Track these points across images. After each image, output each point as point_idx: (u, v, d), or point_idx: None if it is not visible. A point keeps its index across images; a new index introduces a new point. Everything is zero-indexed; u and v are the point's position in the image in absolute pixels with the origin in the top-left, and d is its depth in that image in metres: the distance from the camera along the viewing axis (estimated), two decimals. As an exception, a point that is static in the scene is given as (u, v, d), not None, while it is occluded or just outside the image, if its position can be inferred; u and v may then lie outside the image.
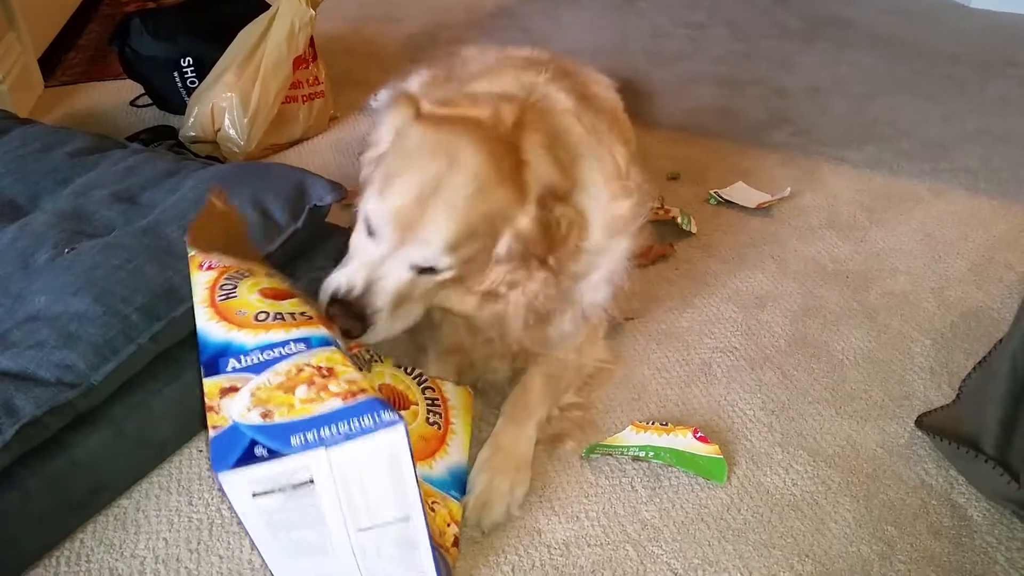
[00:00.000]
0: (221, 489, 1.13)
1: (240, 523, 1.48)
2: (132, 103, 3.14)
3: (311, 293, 1.44)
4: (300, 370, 1.16)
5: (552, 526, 1.49)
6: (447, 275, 1.48)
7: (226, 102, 2.61)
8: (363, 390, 1.14)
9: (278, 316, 1.25)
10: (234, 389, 1.15)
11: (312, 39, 2.80)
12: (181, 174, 1.95)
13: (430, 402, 1.57)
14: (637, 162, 1.78)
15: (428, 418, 1.53)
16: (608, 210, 1.64)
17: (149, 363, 1.55)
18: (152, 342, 1.52)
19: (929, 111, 3.09)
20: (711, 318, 2.03)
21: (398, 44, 3.68)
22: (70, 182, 1.96)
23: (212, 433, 1.11)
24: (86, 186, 1.93)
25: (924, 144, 2.84)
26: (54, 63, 3.57)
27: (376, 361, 1.59)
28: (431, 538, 1.25)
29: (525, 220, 1.50)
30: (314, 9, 2.73)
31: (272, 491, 1.12)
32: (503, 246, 1.51)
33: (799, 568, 1.42)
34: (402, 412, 1.45)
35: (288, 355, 1.19)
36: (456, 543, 1.41)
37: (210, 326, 1.24)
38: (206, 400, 1.14)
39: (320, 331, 1.24)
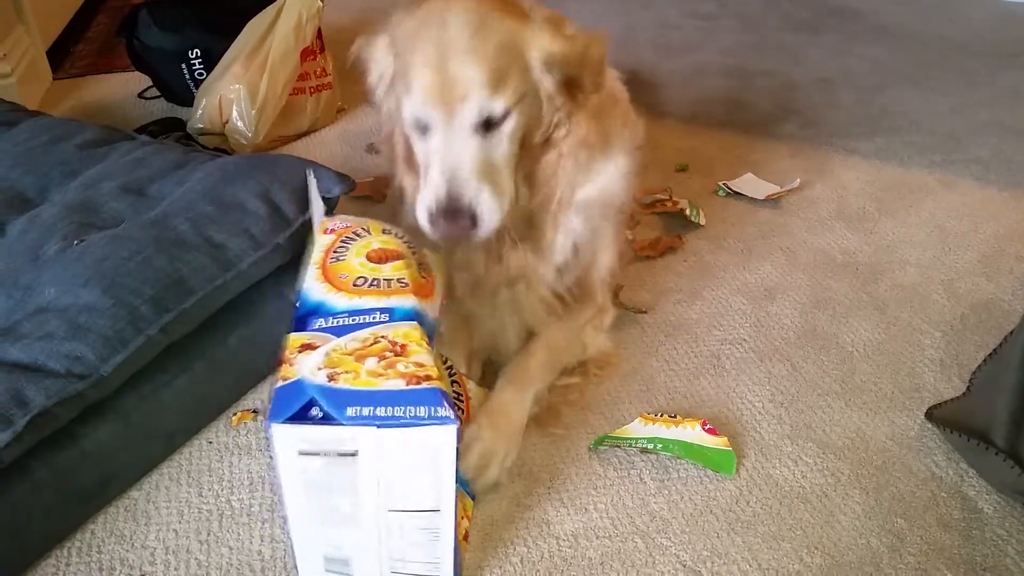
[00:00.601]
0: (270, 437, 1.17)
1: (249, 513, 1.49)
2: (140, 95, 3.15)
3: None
4: (376, 341, 1.22)
5: (561, 518, 1.49)
6: (511, 123, 1.46)
7: (234, 94, 2.62)
8: (428, 377, 1.17)
9: (374, 283, 1.31)
10: (312, 347, 1.21)
11: (320, 30, 2.80)
12: (189, 166, 1.95)
13: (455, 396, 1.58)
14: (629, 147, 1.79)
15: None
16: (604, 120, 1.65)
17: (158, 354, 1.55)
18: (161, 333, 1.52)
19: (939, 102, 3.07)
20: (720, 310, 2.02)
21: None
22: (79, 174, 1.96)
23: (279, 383, 1.16)
24: (95, 178, 1.93)
25: (934, 135, 2.83)
26: (62, 55, 3.58)
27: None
28: (456, 534, 1.26)
29: (546, 39, 1.48)
30: (321, 0, 2.72)
31: (317, 453, 1.16)
32: (545, 78, 1.50)
33: (808, 560, 1.42)
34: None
35: (371, 324, 1.24)
36: (466, 536, 1.42)
37: (312, 285, 1.32)
38: (285, 353, 1.20)
39: (409, 302, 1.29)
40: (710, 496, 1.53)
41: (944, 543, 1.44)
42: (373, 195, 2.36)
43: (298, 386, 1.16)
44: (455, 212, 1.42)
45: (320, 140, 2.86)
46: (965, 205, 2.43)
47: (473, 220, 1.43)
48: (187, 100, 2.89)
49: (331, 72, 2.90)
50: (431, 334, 1.31)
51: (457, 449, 1.16)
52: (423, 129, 1.47)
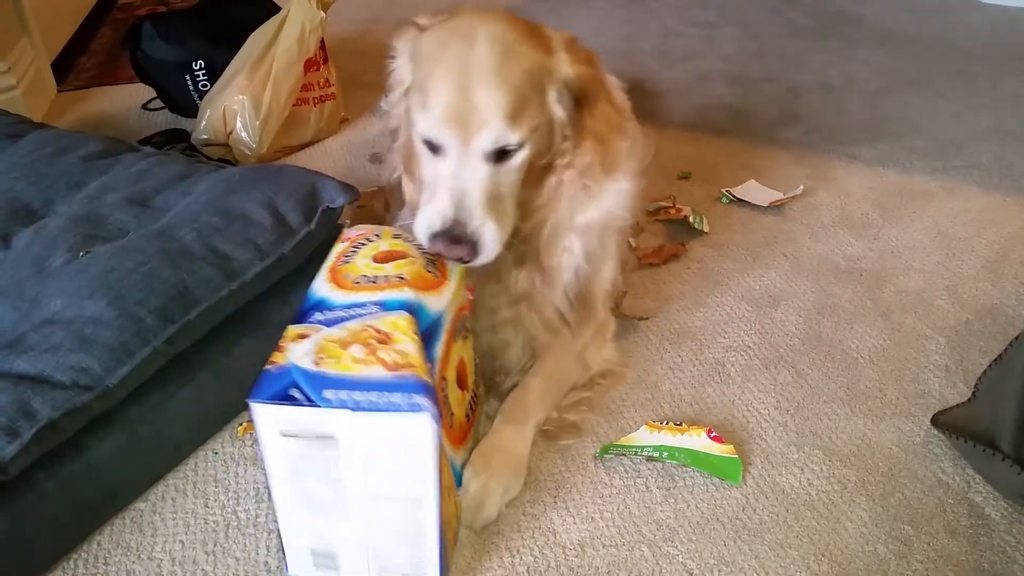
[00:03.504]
0: (252, 416, 1.20)
1: (255, 524, 1.49)
2: (144, 107, 3.16)
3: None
4: (364, 330, 1.25)
5: (567, 527, 1.49)
6: (522, 154, 1.46)
7: (238, 105, 2.62)
8: (410, 365, 1.20)
9: (374, 280, 1.35)
10: (306, 336, 1.25)
11: (323, 41, 2.81)
12: (194, 177, 1.96)
13: (473, 395, 1.59)
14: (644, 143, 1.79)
15: (467, 409, 1.55)
16: (609, 143, 1.64)
17: (164, 366, 1.55)
18: (167, 344, 1.53)
19: (941, 108, 3.07)
20: (724, 317, 2.02)
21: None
22: (84, 186, 1.97)
23: (268, 367, 1.21)
24: (100, 190, 1.94)
25: (937, 141, 2.83)
26: (67, 68, 3.60)
27: (469, 334, 1.59)
28: (442, 530, 1.27)
29: (564, 68, 1.48)
30: (324, 11, 2.74)
31: (298, 435, 1.19)
32: (557, 105, 1.50)
33: (815, 568, 1.41)
34: (462, 392, 1.51)
35: (362, 315, 1.28)
36: (455, 540, 1.42)
37: (318, 285, 1.36)
38: (280, 342, 1.24)
39: (403, 295, 1.31)
40: (716, 504, 1.53)
41: (951, 550, 1.44)
42: (377, 204, 2.36)
43: (284, 370, 1.20)
44: (457, 238, 1.41)
45: (324, 150, 2.87)
46: (968, 211, 2.43)
47: (473, 248, 1.43)
48: (191, 111, 2.90)
49: (334, 83, 2.91)
50: (433, 326, 1.33)
51: (439, 442, 1.18)
52: (434, 148, 1.46)
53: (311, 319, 1.29)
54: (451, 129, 1.41)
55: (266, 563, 1.43)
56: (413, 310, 1.29)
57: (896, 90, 3.23)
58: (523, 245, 1.63)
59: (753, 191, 2.51)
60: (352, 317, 1.28)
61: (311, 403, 1.16)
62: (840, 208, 2.46)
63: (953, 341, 1.92)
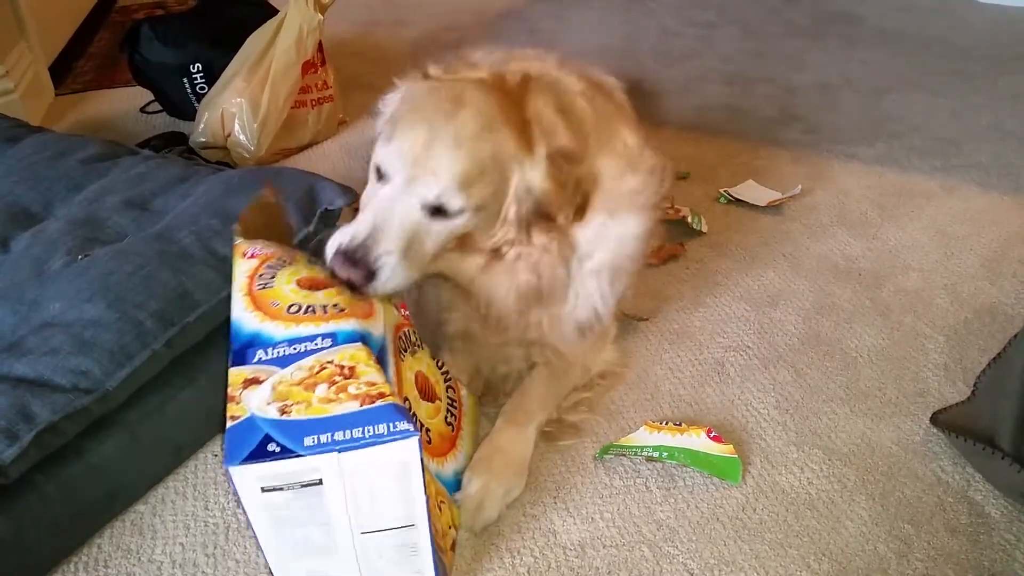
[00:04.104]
0: (230, 479, 1.15)
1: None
2: (142, 110, 3.16)
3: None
4: (323, 367, 1.18)
5: (567, 527, 1.49)
6: (459, 222, 1.44)
7: (236, 107, 2.62)
8: (382, 395, 1.15)
9: (310, 309, 1.28)
10: (257, 381, 1.18)
11: (320, 43, 2.81)
12: (192, 180, 1.96)
13: (450, 401, 1.58)
14: (651, 147, 1.73)
15: (446, 417, 1.54)
16: (615, 184, 1.60)
17: (163, 368, 1.55)
18: (166, 347, 1.53)
19: (940, 107, 3.07)
20: (723, 317, 2.02)
21: (406, 47, 3.68)
22: (82, 189, 1.97)
23: (229, 423, 1.13)
24: (98, 193, 1.94)
25: (935, 140, 2.83)
26: (65, 71, 3.60)
27: (420, 347, 1.56)
28: (434, 543, 1.25)
29: (535, 174, 1.46)
30: (322, 14, 2.73)
31: (281, 488, 1.14)
32: (513, 205, 1.48)
33: (816, 567, 1.41)
34: (429, 404, 1.48)
35: (314, 351, 1.21)
36: (453, 547, 1.42)
37: (244, 316, 1.27)
38: (229, 390, 1.17)
39: (350, 325, 1.26)
40: (716, 504, 1.53)
41: (951, 548, 1.44)
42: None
43: (250, 423, 1.13)
44: (356, 261, 1.38)
45: (322, 152, 2.87)
46: (967, 210, 2.44)
47: (369, 275, 1.39)
48: (189, 114, 2.90)
49: (332, 85, 2.91)
50: (382, 352, 1.29)
51: (422, 461, 1.15)
52: (381, 175, 1.46)
53: (253, 359, 1.22)
54: (402, 163, 1.41)
55: (266, 565, 1.42)
56: (364, 340, 1.25)
57: (895, 89, 3.23)
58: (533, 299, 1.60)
59: (751, 191, 2.51)
60: (302, 354, 1.21)
61: (292, 454, 1.10)
62: (839, 208, 2.46)
63: (952, 340, 1.92)
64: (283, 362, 1.20)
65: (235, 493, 1.16)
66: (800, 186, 2.51)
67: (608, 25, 3.99)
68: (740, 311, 2.04)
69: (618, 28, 3.95)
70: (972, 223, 2.37)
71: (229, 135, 2.64)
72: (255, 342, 1.24)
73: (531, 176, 1.46)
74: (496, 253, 1.53)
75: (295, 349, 1.22)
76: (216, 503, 1.55)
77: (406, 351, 1.48)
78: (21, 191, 1.98)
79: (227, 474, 1.13)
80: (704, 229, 2.32)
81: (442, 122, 1.40)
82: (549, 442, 1.65)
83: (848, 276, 2.16)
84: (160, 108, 3.13)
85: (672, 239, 2.29)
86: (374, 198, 1.45)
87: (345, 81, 3.11)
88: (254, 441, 1.11)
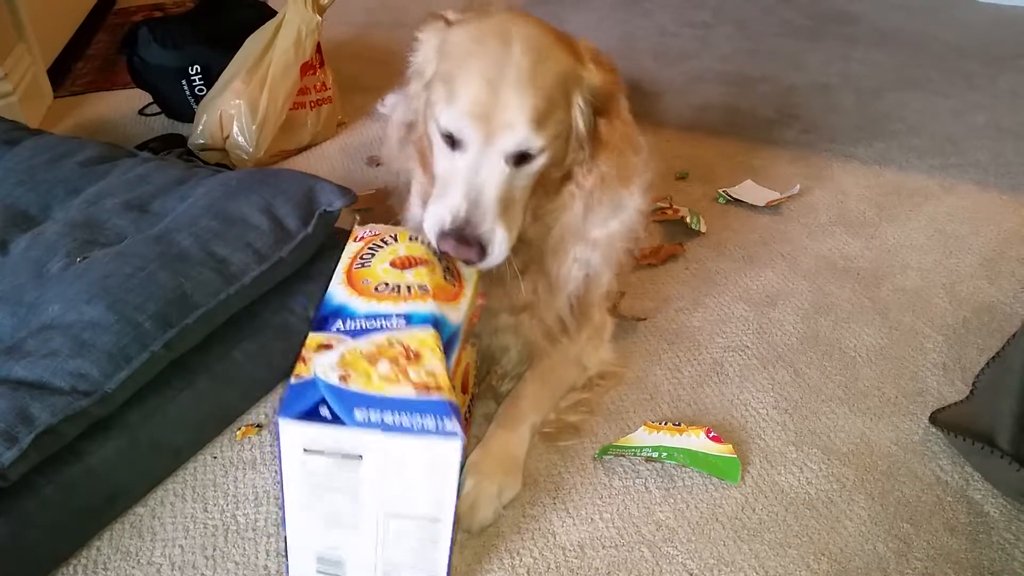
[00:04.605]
0: (276, 433, 1.19)
1: (254, 528, 1.49)
2: (141, 112, 3.16)
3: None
4: (391, 344, 1.23)
5: (566, 528, 1.49)
6: (541, 160, 1.43)
7: (234, 109, 2.62)
8: (439, 387, 1.18)
9: (395, 288, 1.33)
10: (329, 347, 1.22)
11: (319, 45, 2.81)
12: (191, 182, 1.96)
13: (471, 396, 1.61)
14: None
15: (465, 413, 1.56)
16: (618, 161, 1.61)
17: (163, 370, 1.55)
18: (165, 349, 1.53)
19: (938, 106, 3.08)
20: (722, 317, 2.02)
21: (405, 49, 3.66)
22: (81, 191, 1.97)
23: (293, 380, 1.18)
24: (97, 195, 1.94)
25: (934, 139, 2.83)
26: (63, 73, 3.59)
27: (476, 339, 1.59)
28: (452, 541, 1.27)
29: (592, 76, 1.47)
30: (320, 15, 2.73)
31: (322, 452, 1.17)
32: (578, 116, 1.47)
33: (815, 567, 1.42)
34: (464, 396, 1.51)
35: (388, 328, 1.26)
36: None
37: (336, 289, 1.34)
38: (303, 351, 1.22)
39: (427, 307, 1.30)
40: (716, 504, 1.53)
41: (951, 548, 1.44)
42: (375, 207, 2.37)
43: (311, 385, 1.17)
44: (467, 239, 1.38)
45: (321, 154, 2.87)
46: (965, 209, 2.44)
47: (482, 251, 1.40)
48: (188, 116, 2.89)
49: (331, 86, 2.90)
50: (452, 338, 1.31)
51: (461, 463, 1.17)
52: (453, 143, 1.43)
53: (333, 328, 1.27)
54: (476, 125, 1.39)
55: (265, 567, 1.42)
56: (437, 324, 1.28)
57: (893, 89, 3.23)
58: (527, 250, 1.61)
59: (750, 191, 2.51)
60: (376, 329, 1.25)
61: (340, 422, 1.14)
62: (837, 207, 2.46)
63: (951, 339, 1.93)
64: (359, 334, 1.25)
65: (278, 450, 1.20)
66: (798, 186, 2.51)
67: (606, 25, 3.99)
68: (739, 311, 2.04)
69: (616, 28, 3.95)
70: (971, 222, 2.37)
71: (228, 137, 2.64)
72: (339, 313, 1.29)
73: (589, 78, 1.47)
74: (568, 177, 1.55)
75: (371, 324, 1.26)
76: (215, 505, 1.55)
77: (468, 340, 1.50)
78: (20, 194, 1.99)
79: (275, 426, 1.19)
80: (703, 229, 2.32)
81: (500, 66, 1.38)
82: (548, 443, 1.65)
83: (847, 275, 2.16)
84: (159, 110, 3.12)
85: (671, 239, 2.29)
86: (455, 170, 1.43)
87: (344, 83, 3.10)
88: (310, 402, 1.15)
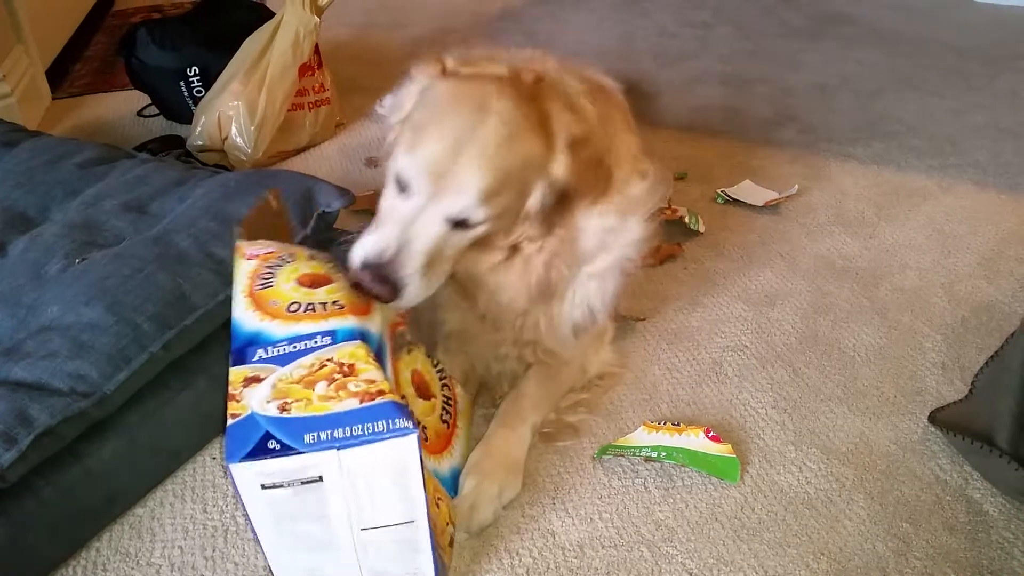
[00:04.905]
0: (230, 476, 1.15)
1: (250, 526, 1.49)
2: (139, 113, 3.16)
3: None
4: (323, 365, 1.18)
5: (566, 528, 1.49)
6: (480, 230, 1.44)
7: (233, 110, 2.63)
8: (381, 392, 1.16)
9: (309, 307, 1.27)
10: (257, 379, 1.18)
11: (317, 46, 2.81)
12: (190, 183, 1.96)
13: (445, 399, 1.58)
14: (648, 155, 1.73)
15: (441, 415, 1.54)
16: (625, 189, 1.60)
17: (161, 371, 1.55)
18: (164, 350, 1.53)
19: (936, 106, 3.08)
20: (721, 317, 2.02)
21: (403, 50, 3.68)
22: (80, 193, 1.97)
23: (230, 421, 1.13)
24: (96, 196, 1.94)
25: (932, 139, 2.83)
26: (61, 75, 3.60)
27: (415, 345, 1.57)
28: (433, 540, 1.26)
29: (560, 167, 1.46)
30: (318, 16, 2.74)
31: (281, 485, 1.14)
32: (535, 199, 1.47)
33: (814, 566, 1.42)
34: (425, 402, 1.49)
35: (313, 348, 1.21)
36: (451, 543, 1.42)
37: (244, 315, 1.27)
38: (229, 388, 1.17)
39: (349, 322, 1.26)
40: (715, 504, 1.53)
41: (950, 547, 1.44)
42: (373, 208, 2.36)
43: (251, 420, 1.13)
44: (384, 276, 1.38)
45: (319, 155, 2.87)
46: (963, 209, 2.44)
47: (394, 292, 1.39)
48: (186, 117, 2.90)
49: (329, 87, 2.91)
50: (379, 350, 1.29)
51: (421, 458, 1.15)
52: (403, 187, 1.44)
53: (254, 358, 1.21)
54: (427, 179, 1.39)
55: (265, 568, 1.42)
56: (364, 337, 1.25)
57: (891, 89, 3.23)
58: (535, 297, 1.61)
59: (749, 191, 2.51)
60: (302, 352, 1.21)
61: (291, 450, 1.10)
62: (836, 207, 2.46)
63: (950, 338, 1.93)
64: (283, 360, 1.20)
65: (235, 491, 1.16)
66: (797, 186, 2.51)
67: (605, 26, 3.99)
68: (738, 311, 2.04)
69: (615, 29, 3.95)
70: (969, 222, 2.37)
71: (226, 138, 2.65)
72: (256, 341, 1.24)
73: (555, 170, 1.46)
74: (514, 249, 1.54)
75: (295, 347, 1.22)
76: (215, 506, 1.55)
77: (402, 349, 1.48)
78: (18, 195, 1.98)
79: (227, 471, 1.13)
80: (701, 229, 2.32)
81: (468, 133, 1.38)
82: (548, 443, 1.65)
83: (845, 275, 2.16)
84: (157, 112, 3.13)
85: (670, 239, 2.29)
86: (396, 211, 1.43)
87: (342, 84, 3.11)
88: (254, 438, 1.11)
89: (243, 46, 2.73)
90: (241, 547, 1.47)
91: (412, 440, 1.12)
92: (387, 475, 1.16)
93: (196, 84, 2.92)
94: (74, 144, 2.22)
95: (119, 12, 4.43)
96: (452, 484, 1.51)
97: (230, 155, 2.67)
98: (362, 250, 1.41)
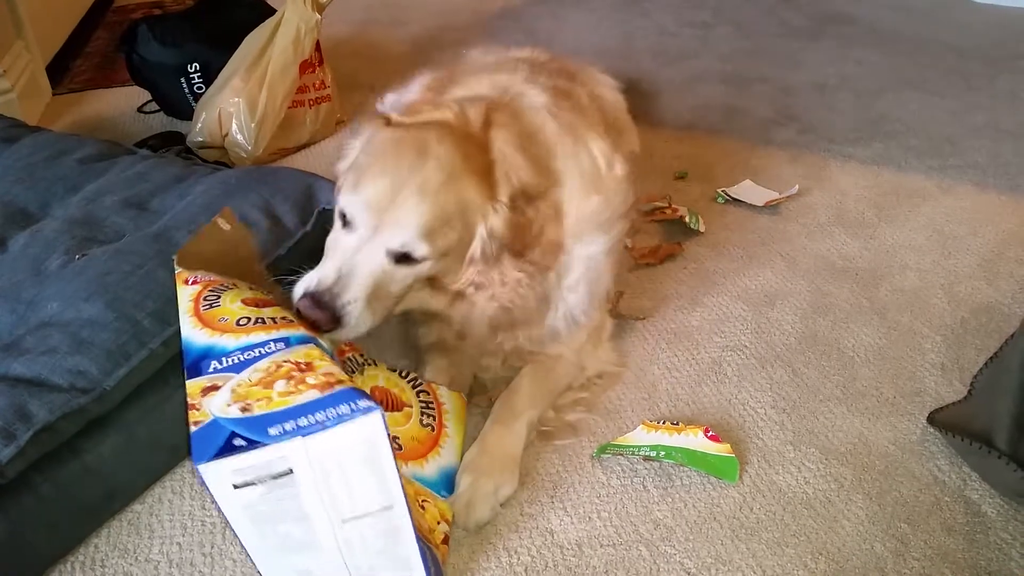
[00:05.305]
0: (203, 483, 1.14)
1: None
2: (140, 109, 3.16)
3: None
4: (279, 366, 1.19)
5: (564, 527, 1.50)
6: (424, 267, 1.47)
7: (233, 107, 2.62)
8: (340, 381, 1.16)
9: (259, 320, 1.29)
10: (215, 388, 1.17)
11: (318, 43, 2.81)
12: (190, 179, 1.96)
13: (424, 404, 1.58)
14: (624, 155, 1.74)
15: (421, 420, 1.55)
16: (578, 208, 1.62)
17: (160, 368, 1.55)
18: (163, 347, 1.53)
19: (936, 106, 3.08)
20: (720, 317, 2.02)
21: (404, 47, 3.68)
22: (80, 189, 1.97)
23: (193, 429, 1.13)
24: (96, 192, 1.94)
25: (932, 140, 2.84)
26: (62, 71, 3.59)
27: (370, 364, 1.60)
28: (416, 529, 1.26)
29: (497, 220, 1.49)
30: (319, 13, 2.73)
31: (253, 482, 1.14)
32: (476, 247, 1.51)
33: (812, 566, 1.42)
34: (395, 413, 1.50)
35: (268, 353, 1.22)
36: (446, 541, 1.42)
37: (193, 333, 1.27)
38: (188, 400, 1.16)
39: (300, 331, 1.28)
40: (714, 503, 1.53)
41: (948, 547, 1.44)
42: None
43: (214, 425, 1.12)
44: (323, 305, 1.41)
45: (320, 152, 2.87)
46: (963, 209, 2.44)
47: (335, 319, 1.42)
48: (186, 114, 2.90)
49: (330, 84, 2.91)
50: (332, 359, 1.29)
51: (389, 438, 1.15)
52: (346, 223, 1.48)
53: (209, 370, 1.21)
54: (368, 213, 1.44)
55: (264, 565, 1.42)
56: (317, 344, 1.26)
57: (891, 89, 3.23)
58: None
59: (749, 191, 2.51)
60: (257, 358, 1.21)
61: (259, 444, 1.10)
62: (836, 207, 2.46)
63: (949, 339, 1.93)
64: (238, 368, 1.20)
65: (211, 496, 1.16)
66: (797, 186, 2.51)
67: (605, 25, 3.99)
68: (737, 311, 2.04)
69: (615, 28, 3.95)
70: (969, 223, 2.37)
71: (227, 135, 2.64)
72: (209, 354, 1.24)
73: (493, 221, 1.49)
74: (460, 295, 1.57)
75: (249, 355, 1.22)
76: (214, 502, 1.55)
77: (353, 373, 1.51)
78: (19, 191, 1.98)
79: (199, 476, 1.12)
80: (701, 229, 2.32)
81: (407, 174, 1.43)
82: (546, 441, 1.66)
83: (845, 276, 2.16)
84: (157, 108, 3.12)
85: (669, 239, 2.29)
86: (340, 244, 1.48)
87: (343, 81, 3.10)
88: (220, 440, 1.11)
89: (244, 43, 2.73)
90: (239, 544, 1.46)
91: (376, 417, 1.12)
92: (357, 458, 1.16)
93: (197, 80, 2.92)
94: (74, 140, 2.22)
95: (120, 8, 4.42)
96: (446, 484, 1.51)
97: (230, 152, 2.66)
98: (305, 281, 1.46)
